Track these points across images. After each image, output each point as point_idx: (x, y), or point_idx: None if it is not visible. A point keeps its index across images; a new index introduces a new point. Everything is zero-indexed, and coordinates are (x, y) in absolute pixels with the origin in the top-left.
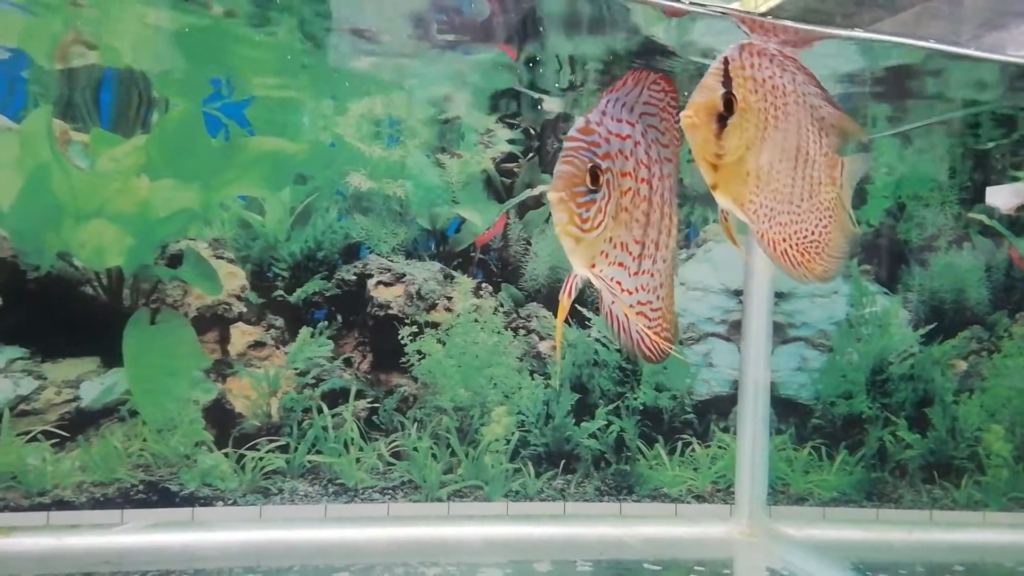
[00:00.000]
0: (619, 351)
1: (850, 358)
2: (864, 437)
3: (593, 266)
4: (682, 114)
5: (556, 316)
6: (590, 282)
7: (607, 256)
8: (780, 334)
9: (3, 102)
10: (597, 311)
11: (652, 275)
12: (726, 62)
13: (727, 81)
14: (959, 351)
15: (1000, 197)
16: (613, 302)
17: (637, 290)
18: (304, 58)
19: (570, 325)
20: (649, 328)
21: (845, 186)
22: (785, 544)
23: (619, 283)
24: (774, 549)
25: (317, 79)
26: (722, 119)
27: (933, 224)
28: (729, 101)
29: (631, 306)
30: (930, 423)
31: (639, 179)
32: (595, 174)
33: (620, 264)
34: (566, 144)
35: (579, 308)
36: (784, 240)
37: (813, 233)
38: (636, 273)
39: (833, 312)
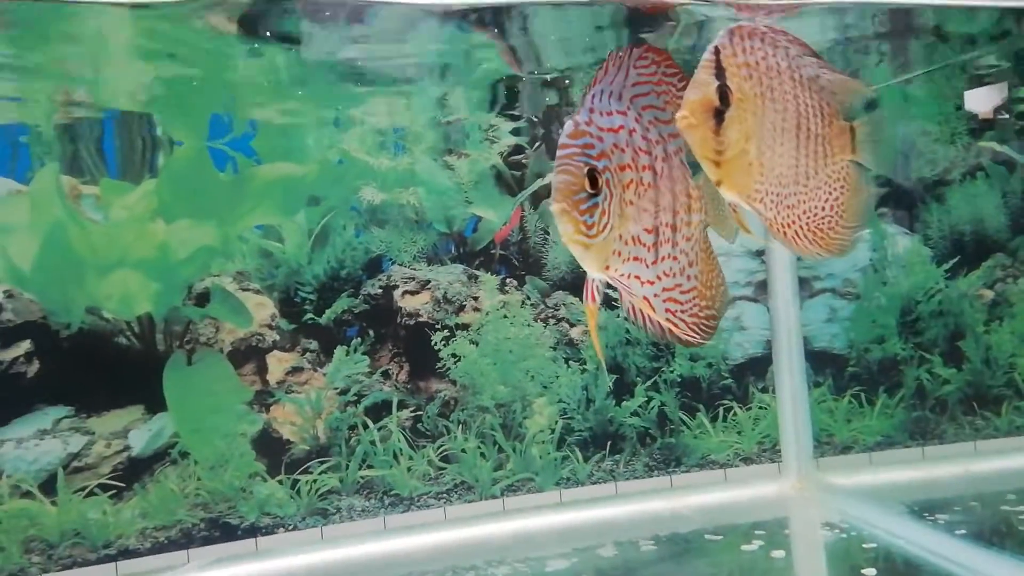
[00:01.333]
0: None
1: (878, 302)
2: (901, 378)
3: (607, 268)
4: (677, 115)
5: (583, 305)
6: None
7: (620, 254)
8: (806, 288)
9: (8, 166)
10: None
11: (675, 259)
12: (717, 52)
13: (720, 72)
14: (984, 280)
15: (978, 100)
16: (633, 298)
17: (659, 278)
18: (300, 80)
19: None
20: (682, 311)
21: (859, 150)
22: (837, 494)
23: (637, 277)
24: (827, 501)
25: (316, 99)
26: (719, 114)
27: (944, 158)
28: (724, 94)
29: (655, 295)
30: (964, 356)
31: (640, 167)
32: (593, 177)
33: (636, 258)
34: (559, 152)
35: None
36: (793, 223)
37: (824, 208)
38: (654, 262)
39: (856, 259)
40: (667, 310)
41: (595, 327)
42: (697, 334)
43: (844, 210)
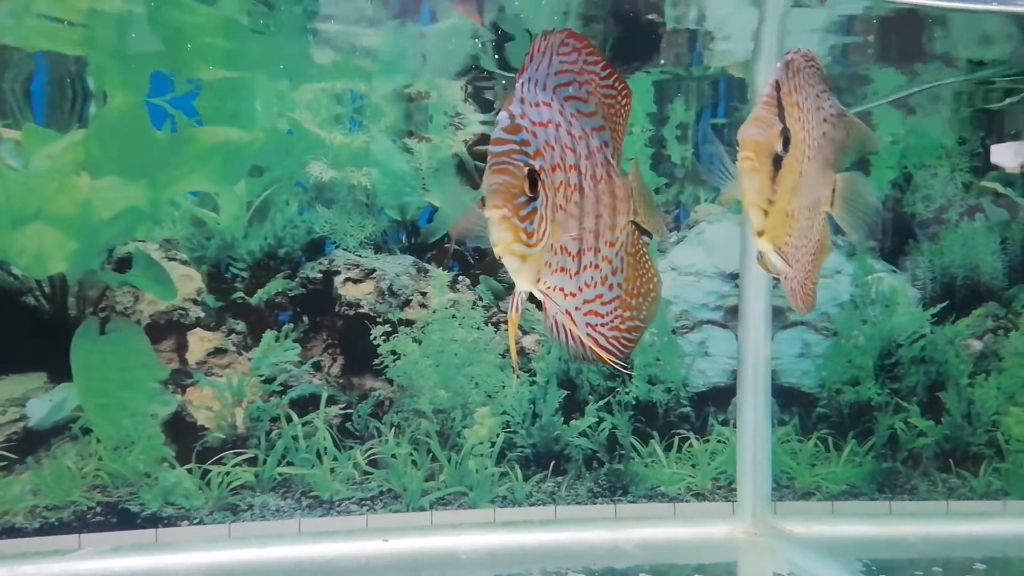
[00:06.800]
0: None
1: (856, 342)
2: (873, 425)
3: (538, 280)
4: (741, 155)
5: (541, 310)
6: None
7: (550, 265)
8: (780, 318)
9: None
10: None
11: (596, 267)
12: (778, 87)
13: (781, 112)
14: (973, 330)
15: (1004, 155)
16: (557, 312)
17: (581, 289)
18: (254, 39)
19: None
20: (602, 324)
21: (836, 204)
22: (791, 543)
23: (561, 289)
24: (780, 549)
25: (270, 61)
26: (778, 160)
27: (942, 195)
28: (787, 139)
29: (576, 308)
30: (944, 408)
31: (567, 167)
32: (533, 179)
33: (562, 269)
34: (494, 148)
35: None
36: (796, 276)
37: (808, 264)
38: (577, 272)
39: (836, 293)
40: (587, 324)
41: (514, 340)
42: (614, 350)
43: (816, 268)
